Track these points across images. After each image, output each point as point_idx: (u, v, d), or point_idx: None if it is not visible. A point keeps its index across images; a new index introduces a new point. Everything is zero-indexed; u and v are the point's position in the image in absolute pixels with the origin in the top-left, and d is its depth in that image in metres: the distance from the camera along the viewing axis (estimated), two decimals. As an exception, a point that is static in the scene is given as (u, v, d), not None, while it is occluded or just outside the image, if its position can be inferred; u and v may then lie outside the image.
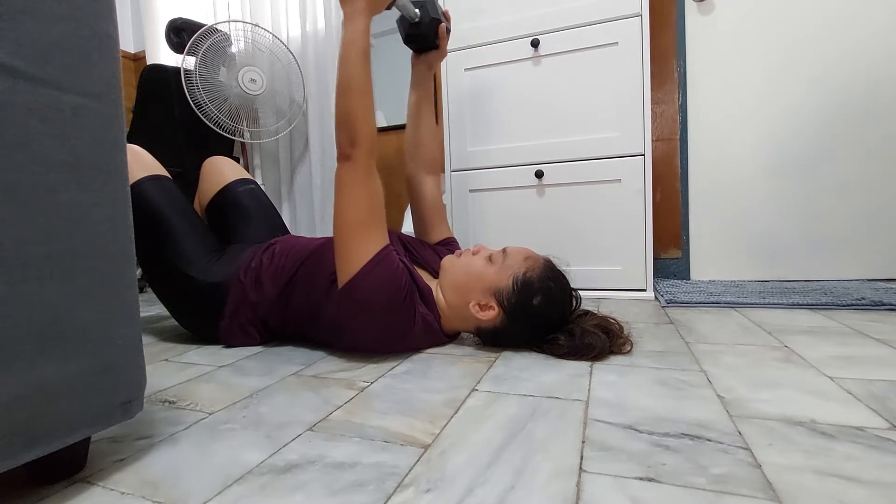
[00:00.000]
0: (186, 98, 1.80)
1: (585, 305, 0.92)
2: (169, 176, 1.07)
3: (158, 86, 1.84)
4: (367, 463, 0.48)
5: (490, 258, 0.88)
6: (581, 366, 0.77)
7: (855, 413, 0.56)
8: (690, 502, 0.40)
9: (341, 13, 0.87)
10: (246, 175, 1.25)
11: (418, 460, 0.49)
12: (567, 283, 0.88)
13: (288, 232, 1.24)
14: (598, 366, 0.77)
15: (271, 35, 1.99)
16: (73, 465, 0.48)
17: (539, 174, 1.47)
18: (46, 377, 0.40)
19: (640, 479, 0.43)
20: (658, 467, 0.45)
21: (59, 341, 0.41)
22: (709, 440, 0.50)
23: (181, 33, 1.87)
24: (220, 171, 1.22)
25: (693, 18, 1.65)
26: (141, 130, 1.82)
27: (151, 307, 1.55)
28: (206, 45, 1.83)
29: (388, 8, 0.96)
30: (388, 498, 0.42)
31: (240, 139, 2.05)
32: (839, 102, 1.52)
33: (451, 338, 0.95)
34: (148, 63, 2.14)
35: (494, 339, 0.89)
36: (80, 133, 0.43)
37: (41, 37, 0.40)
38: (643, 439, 0.51)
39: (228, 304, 0.96)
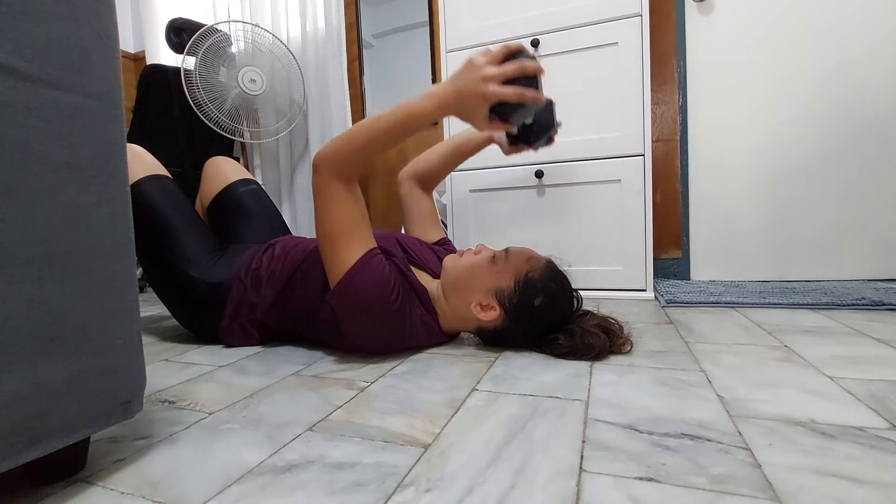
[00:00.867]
0: (186, 98, 1.80)
1: (585, 305, 0.92)
2: (170, 176, 1.07)
3: (158, 86, 1.84)
4: (367, 463, 0.48)
5: (492, 258, 0.88)
6: (581, 365, 0.77)
7: (855, 413, 0.56)
8: (690, 502, 0.40)
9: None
10: (248, 176, 1.25)
11: (418, 460, 0.49)
12: (568, 284, 0.88)
13: (289, 232, 1.24)
14: (598, 366, 0.77)
15: (271, 35, 1.99)
16: (72, 465, 0.48)
17: (539, 174, 1.47)
18: (46, 377, 0.40)
19: (640, 478, 0.43)
20: (658, 467, 0.45)
21: (59, 341, 0.41)
22: (709, 440, 0.50)
23: (181, 33, 1.87)
24: (223, 172, 1.22)
25: (693, 18, 1.65)
26: (141, 130, 1.82)
27: (151, 307, 1.55)
28: (206, 45, 1.83)
29: (510, 123, 0.78)
30: (388, 498, 0.42)
31: (240, 139, 2.05)
32: (839, 102, 1.52)
33: (450, 337, 0.95)
34: (148, 63, 2.14)
35: (495, 339, 0.89)
36: (80, 133, 0.43)
37: (41, 37, 0.40)
38: (643, 439, 0.51)
39: (229, 304, 0.96)
